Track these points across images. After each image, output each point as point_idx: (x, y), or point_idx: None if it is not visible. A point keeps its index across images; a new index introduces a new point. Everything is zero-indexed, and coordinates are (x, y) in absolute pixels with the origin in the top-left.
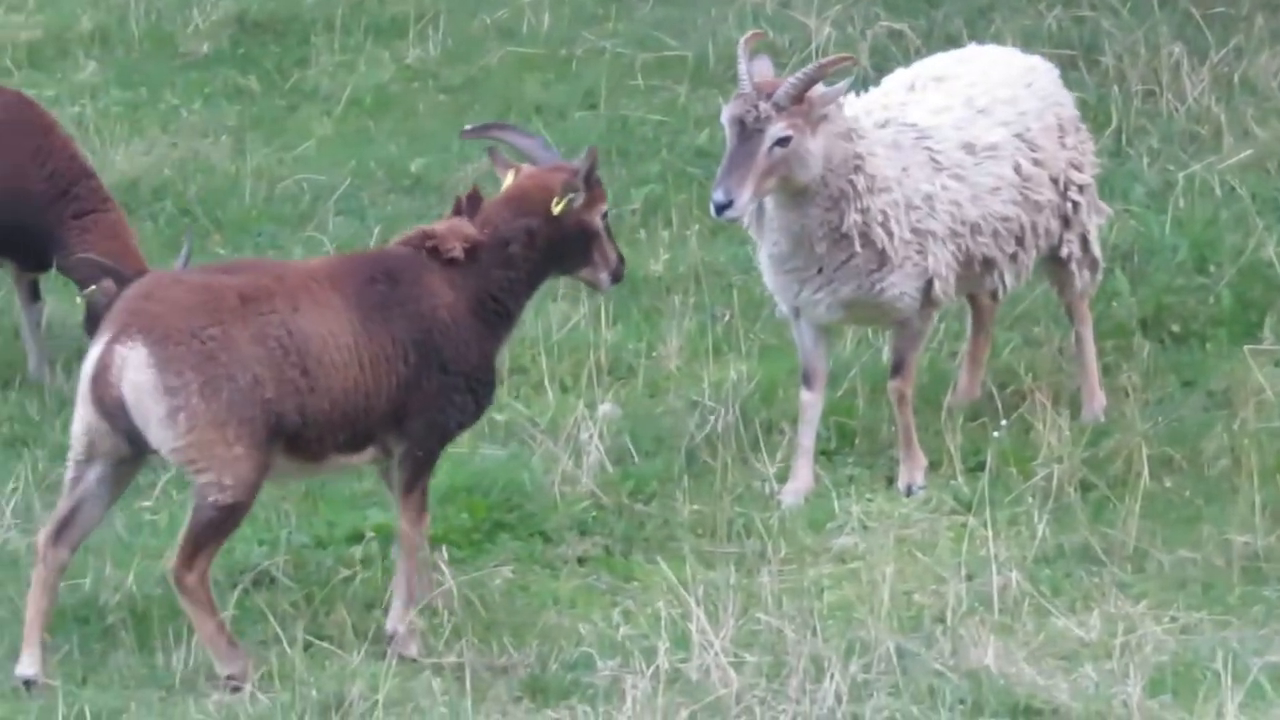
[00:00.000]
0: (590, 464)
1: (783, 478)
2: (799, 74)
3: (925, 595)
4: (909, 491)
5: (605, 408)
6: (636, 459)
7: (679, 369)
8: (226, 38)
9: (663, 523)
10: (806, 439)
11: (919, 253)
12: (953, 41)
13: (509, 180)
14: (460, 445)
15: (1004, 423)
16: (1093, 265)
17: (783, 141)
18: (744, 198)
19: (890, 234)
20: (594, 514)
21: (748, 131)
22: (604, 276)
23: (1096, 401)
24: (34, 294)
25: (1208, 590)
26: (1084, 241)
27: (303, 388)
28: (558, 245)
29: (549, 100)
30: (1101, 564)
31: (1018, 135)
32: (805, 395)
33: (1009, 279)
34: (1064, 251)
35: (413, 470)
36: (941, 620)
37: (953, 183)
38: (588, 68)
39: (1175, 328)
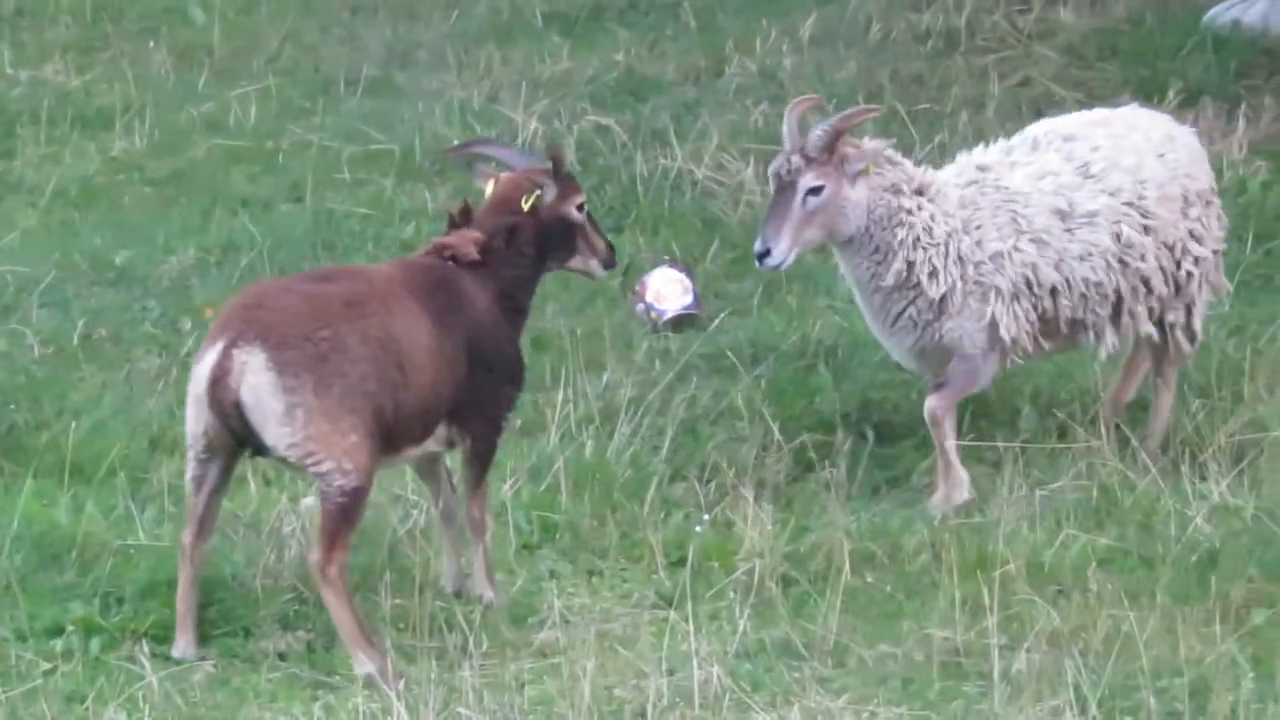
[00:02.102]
0: (293, 558)
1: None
2: (824, 125)
3: (626, 690)
4: (942, 516)
5: (308, 501)
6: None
7: None
8: None
9: (365, 616)
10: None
11: (980, 301)
12: (659, 137)
13: (489, 188)
14: (163, 540)
15: (706, 517)
16: (1191, 336)
17: (814, 191)
18: (781, 246)
19: (938, 283)
20: (296, 608)
21: (783, 184)
22: (594, 264)
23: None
24: None
25: (907, 685)
26: (1188, 312)
27: (399, 383)
28: (544, 239)
29: (255, 193)
30: (802, 659)
31: (1128, 203)
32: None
33: (1110, 339)
34: (1169, 318)
35: (479, 465)
36: (642, 715)
37: (1030, 246)
38: (294, 160)
39: (878, 423)
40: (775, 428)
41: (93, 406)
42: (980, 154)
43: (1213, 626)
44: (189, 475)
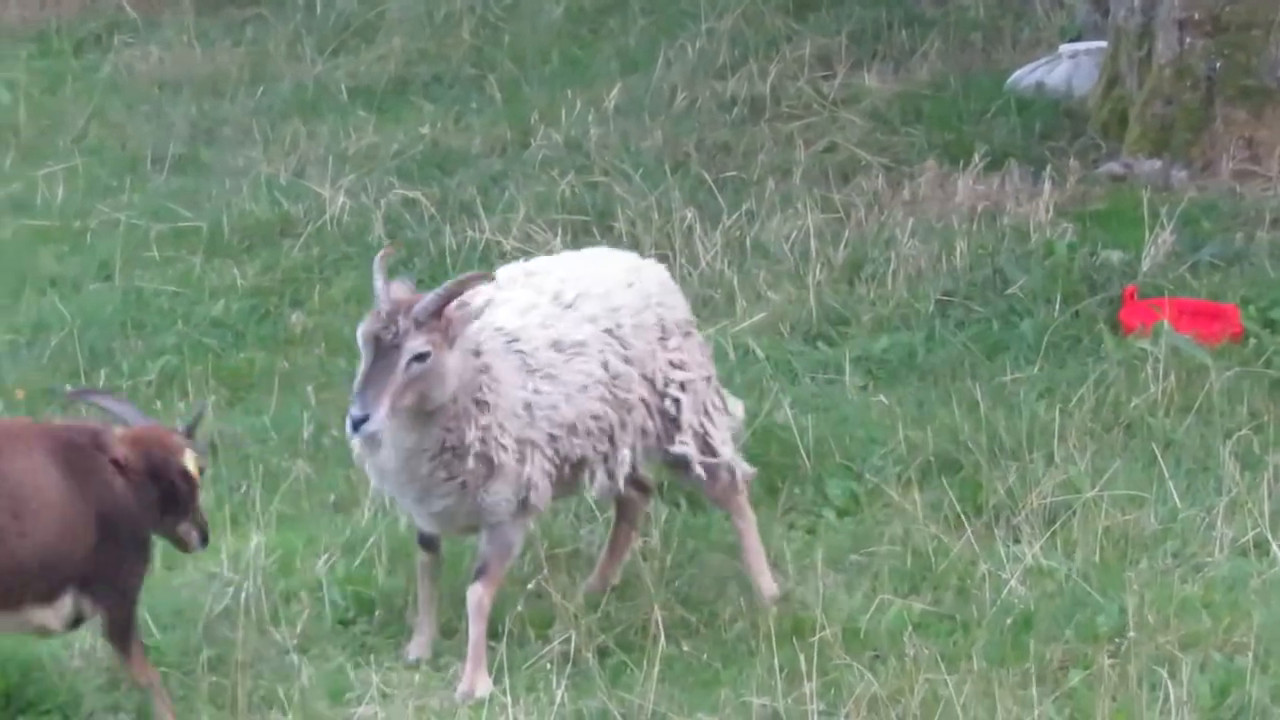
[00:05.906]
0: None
1: (304, 648)
2: (439, 290)
3: None
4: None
5: None
6: (155, 632)
7: None
8: None
9: (181, 696)
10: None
11: (519, 461)
12: (466, 209)
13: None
14: None
15: (529, 587)
16: (728, 467)
17: (420, 357)
18: (381, 412)
19: (504, 446)
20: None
21: (385, 347)
22: (195, 536)
23: (766, 590)
24: None
25: None
26: (703, 442)
27: (12, 530)
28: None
29: (64, 273)
30: None
31: (607, 331)
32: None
33: (600, 478)
34: (677, 450)
35: (120, 635)
36: None
37: (545, 385)
38: (102, 240)
39: (689, 491)
40: (590, 498)
41: None
42: None
43: (1029, 689)
44: None
